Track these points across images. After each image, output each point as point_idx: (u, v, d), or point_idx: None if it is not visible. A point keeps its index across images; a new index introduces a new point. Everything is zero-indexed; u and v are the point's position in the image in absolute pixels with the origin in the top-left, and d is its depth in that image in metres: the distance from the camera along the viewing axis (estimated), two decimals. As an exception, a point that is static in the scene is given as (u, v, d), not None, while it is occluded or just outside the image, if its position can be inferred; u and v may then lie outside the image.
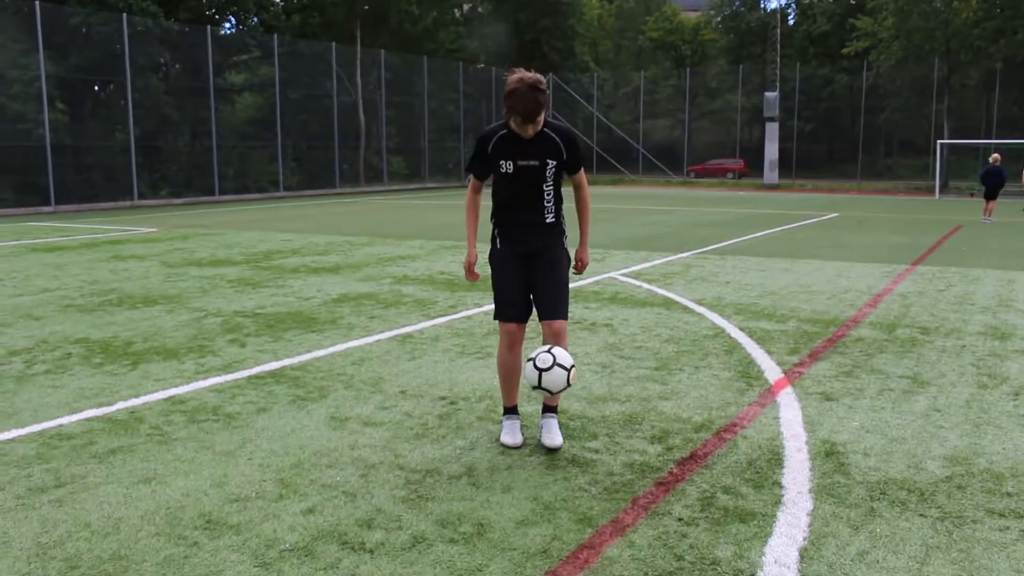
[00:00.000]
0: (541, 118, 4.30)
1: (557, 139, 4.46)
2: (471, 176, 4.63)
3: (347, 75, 37.71)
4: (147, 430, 4.80)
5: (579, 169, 4.62)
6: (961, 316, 8.23)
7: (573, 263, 4.75)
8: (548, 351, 4.28)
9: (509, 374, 4.61)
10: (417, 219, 21.01)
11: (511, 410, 4.68)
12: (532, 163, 4.42)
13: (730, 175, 47.03)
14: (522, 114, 4.22)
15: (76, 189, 26.69)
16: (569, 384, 4.26)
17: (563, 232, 4.64)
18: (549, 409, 4.65)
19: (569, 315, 4.72)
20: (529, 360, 4.29)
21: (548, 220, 4.55)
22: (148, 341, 7.10)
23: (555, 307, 4.55)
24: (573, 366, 4.29)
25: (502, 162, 4.42)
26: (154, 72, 30.36)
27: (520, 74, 4.23)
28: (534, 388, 4.28)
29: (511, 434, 4.57)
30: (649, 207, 25.92)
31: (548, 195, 4.51)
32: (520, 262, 4.55)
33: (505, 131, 4.41)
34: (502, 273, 4.57)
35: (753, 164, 45.88)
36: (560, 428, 4.66)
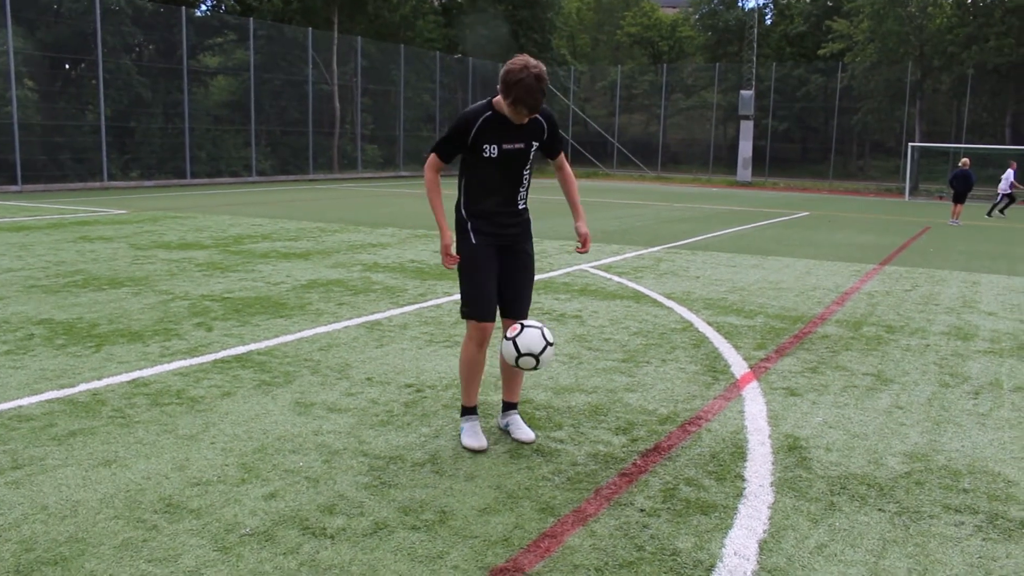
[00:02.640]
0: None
1: (541, 119, 4.28)
2: (433, 155, 4.32)
3: (323, 61, 37.43)
4: (109, 413, 4.75)
5: (560, 151, 4.49)
6: (926, 316, 8.33)
7: (578, 242, 4.58)
8: (523, 332, 4.21)
9: (475, 373, 4.43)
10: (390, 207, 20.93)
11: (471, 410, 4.50)
12: (518, 146, 4.23)
13: None
14: (528, 106, 4.02)
15: (44, 169, 26.30)
16: (548, 342, 4.19)
17: (529, 220, 4.51)
18: (510, 406, 4.55)
19: (539, 305, 4.70)
20: (527, 354, 4.16)
21: (520, 207, 4.40)
22: (113, 323, 7.02)
23: (522, 306, 4.45)
24: (543, 326, 4.27)
25: (486, 146, 4.18)
26: (127, 52, 29.94)
27: (525, 60, 4.02)
28: (516, 361, 4.20)
29: (474, 437, 4.38)
30: (623, 201, 25.99)
31: (525, 180, 4.36)
32: (493, 255, 4.35)
33: (490, 113, 4.17)
34: (475, 269, 4.34)
35: (727, 162, 46.14)
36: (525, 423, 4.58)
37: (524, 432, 4.48)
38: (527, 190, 4.42)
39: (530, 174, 4.38)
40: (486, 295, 4.34)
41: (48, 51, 27.32)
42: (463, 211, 4.40)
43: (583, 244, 4.59)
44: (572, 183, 4.65)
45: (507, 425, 4.56)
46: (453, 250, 4.38)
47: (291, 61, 35.84)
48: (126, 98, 28.99)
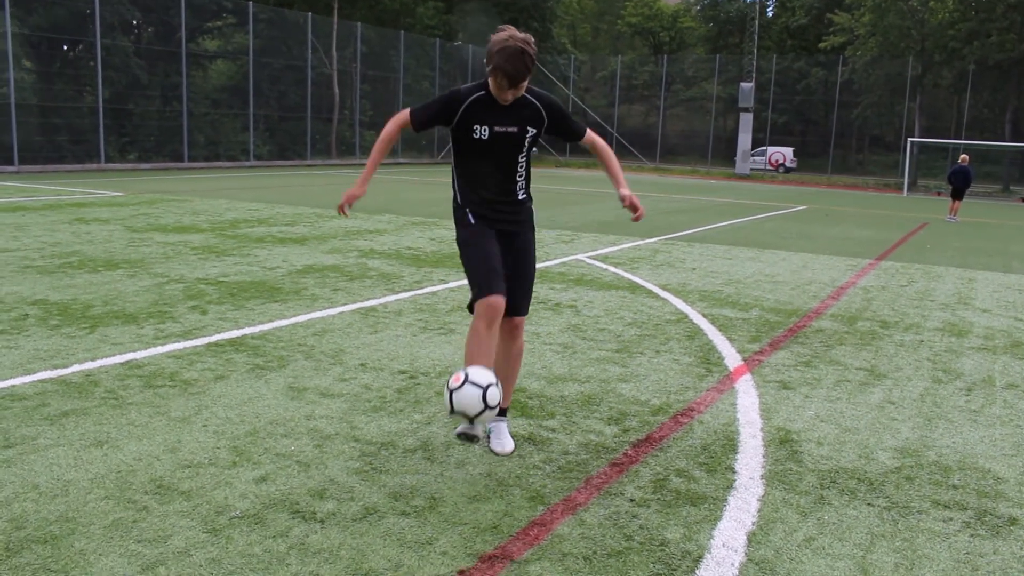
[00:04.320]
0: (524, 84, 3.90)
1: (539, 105, 4.04)
2: (406, 112, 4.10)
3: (323, 46, 37.32)
4: (102, 394, 4.75)
5: (583, 129, 4.25)
6: (921, 312, 8.34)
7: (625, 204, 4.18)
8: (461, 370, 3.76)
9: (486, 355, 3.88)
10: (387, 194, 20.89)
11: None
12: (510, 129, 3.99)
13: None
14: (508, 75, 3.78)
15: (41, 150, 26.23)
16: (487, 406, 3.64)
17: (532, 211, 4.32)
18: (499, 411, 4.10)
19: (534, 294, 4.60)
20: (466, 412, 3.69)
21: (520, 196, 4.20)
22: (108, 305, 7.01)
23: (520, 301, 4.18)
24: (491, 385, 3.67)
25: (476, 127, 3.96)
26: (125, 33, 29.84)
27: (510, 31, 3.81)
28: (451, 414, 3.76)
29: (470, 425, 3.88)
30: (620, 192, 25.93)
31: (521, 167, 4.15)
32: (494, 235, 4.09)
33: (482, 93, 3.96)
34: (481, 245, 4.04)
35: (725, 154, 46.16)
36: (509, 432, 4.26)
37: (502, 444, 4.15)
38: (526, 180, 4.23)
39: (527, 162, 4.19)
40: (490, 267, 3.99)
41: (46, 32, 27.19)
42: (458, 200, 4.20)
43: (634, 210, 4.21)
44: (607, 155, 4.35)
45: (489, 431, 4.19)
46: (347, 206, 4.16)
47: (290, 46, 35.74)
48: (124, 80, 28.90)
